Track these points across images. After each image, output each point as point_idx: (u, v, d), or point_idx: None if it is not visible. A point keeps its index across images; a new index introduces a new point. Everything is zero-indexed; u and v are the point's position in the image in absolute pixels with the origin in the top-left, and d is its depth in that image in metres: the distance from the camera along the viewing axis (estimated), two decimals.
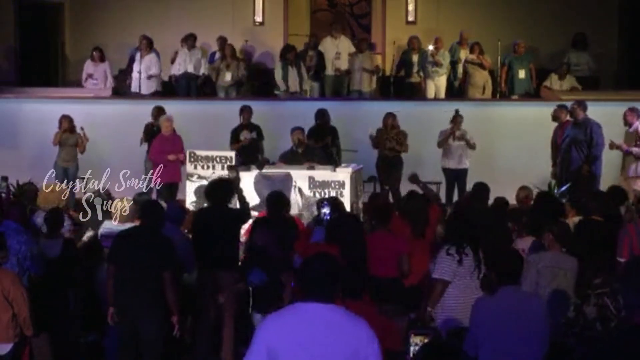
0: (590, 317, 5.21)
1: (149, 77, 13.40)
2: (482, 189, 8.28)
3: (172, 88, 14.14)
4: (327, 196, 9.44)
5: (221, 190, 7.12)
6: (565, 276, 5.93)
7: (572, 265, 6.03)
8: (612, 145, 10.71)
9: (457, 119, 11.57)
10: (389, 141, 11.48)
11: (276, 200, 7.55)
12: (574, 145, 10.63)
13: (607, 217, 7.11)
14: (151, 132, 11.56)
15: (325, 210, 6.96)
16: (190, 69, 13.96)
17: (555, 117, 11.30)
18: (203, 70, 14.07)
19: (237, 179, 7.73)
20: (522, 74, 13.81)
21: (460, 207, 7.87)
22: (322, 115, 11.78)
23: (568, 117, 11.07)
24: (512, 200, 9.15)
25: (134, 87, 13.58)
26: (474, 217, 6.46)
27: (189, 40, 13.92)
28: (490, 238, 6.53)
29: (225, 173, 9.69)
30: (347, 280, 5.03)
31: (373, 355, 3.56)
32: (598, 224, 7.09)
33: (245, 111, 11.73)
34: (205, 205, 7.40)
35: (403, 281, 6.62)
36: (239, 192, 7.43)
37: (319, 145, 11.28)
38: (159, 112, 11.71)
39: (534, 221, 7.06)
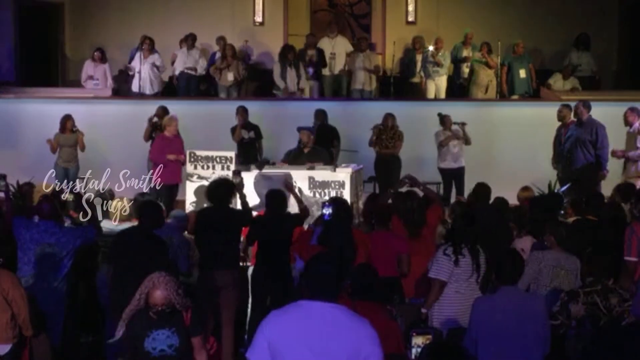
0: (579, 316, 5.20)
1: (155, 76, 13.46)
2: (484, 189, 8.28)
3: (172, 88, 14.15)
4: (327, 196, 9.46)
5: (222, 190, 7.11)
6: (566, 276, 5.94)
7: (573, 265, 6.04)
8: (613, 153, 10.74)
9: (445, 119, 11.56)
10: (388, 141, 11.47)
11: (276, 197, 7.53)
12: (579, 145, 10.60)
13: (612, 217, 7.09)
14: (155, 131, 11.59)
15: (326, 210, 6.91)
16: (190, 69, 13.96)
17: (561, 117, 11.23)
18: (202, 70, 14.08)
19: (241, 184, 7.71)
20: (522, 74, 13.82)
21: (468, 208, 7.83)
22: (318, 115, 11.82)
23: (572, 117, 10.99)
24: (512, 200, 9.16)
25: (135, 87, 13.59)
26: (476, 217, 6.45)
27: (188, 40, 13.94)
28: (491, 238, 6.53)
29: (224, 173, 9.70)
30: (357, 280, 5.03)
31: (374, 355, 3.58)
32: (592, 223, 7.09)
33: (240, 112, 11.73)
34: (207, 205, 7.39)
35: (402, 281, 6.61)
36: (242, 196, 7.42)
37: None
38: (164, 111, 11.74)
39: (534, 221, 7.06)
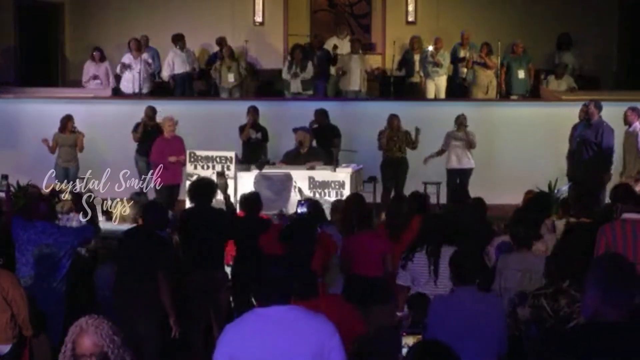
0: (524, 319, 5.10)
1: (145, 75, 13.48)
2: (461, 191, 8.29)
3: (167, 89, 14.13)
4: (327, 196, 9.48)
5: (202, 190, 7.14)
6: (530, 278, 5.81)
7: (539, 267, 5.80)
8: None
9: (460, 119, 11.57)
10: (399, 142, 11.45)
11: (251, 200, 7.56)
12: (584, 146, 10.61)
13: (605, 218, 7.06)
14: (146, 131, 11.60)
15: (300, 210, 6.96)
16: (183, 69, 13.94)
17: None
18: (190, 69, 14.05)
19: (225, 185, 7.77)
20: (521, 74, 13.82)
21: (431, 212, 7.81)
22: (317, 115, 11.80)
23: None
24: (513, 201, 9.17)
25: (130, 89, 13.57)
26: (451, 219, 6.46)
27: (179, 42, 13.92)
28: (469, 238, 6.51)
29: (225, 173, 9.71)
30: (301, 279, 5.04)
31: (336, 348, 3.62)
32: (584, 226, 7.05)
33: (251, 111, 11.76)
34: (190, 205, 7.41)
35: (388, 281, 6.63)
36: (226, 197, 7.46)
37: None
38: (152, 111, 11.76)
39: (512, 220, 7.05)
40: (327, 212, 7.87)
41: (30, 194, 9.07)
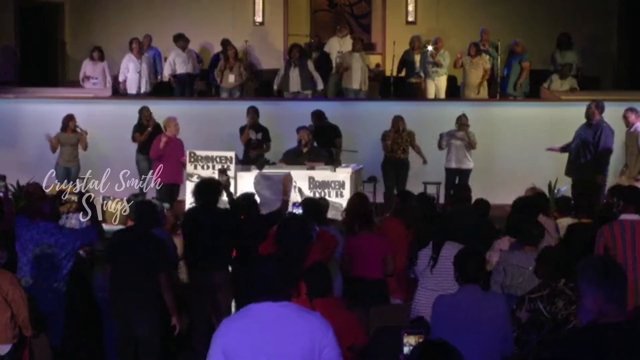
0: (523, 322, 5.11)
1: (151, 76, 13.48)
2: (463, 191, 8.29)
3: (165, 88, 14.13)
4: (327, 196, 9.48)
5: (208, 190, 7.10)
6: (528, 275, 5.84)
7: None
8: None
9: (462, 120, 11.55)
10: (402, 144, 11.43)
11: (248, 202, 7.54)
12: (582, 146, 10.61)
13: (604, 218, 7.06)
14: (141, 131, 11.61)
15: (296, 211, 6.94)
16: (183, 69, 13.93)
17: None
18: (191, 69, 14.04)
19: (228, 183, 7.73)
20: (520, 73, 13.81)
21: (432, 210, 7.82)
22: (313, 116, 11.78)
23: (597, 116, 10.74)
24: (511, 201, 9.15)
25: (130, 89, 13.58)
26: (455, 219, 6.47)
27: (180, 41, 13.90)
28: (471, 239, 6.52)
29: (227, 170, 9.71)
30: (310, 279, 5.04)
31: (329, 345, 3.61)
32: (585, 226, 7.05)
33: (251, 112, 11.74)
34: (194, 205, 7.39)
35: (387, 282, 6.64)
36: (230, 195, 7.42)
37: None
38: (148, 111, 11.76)
39: (509, 221, 7.07)
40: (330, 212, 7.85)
41: (32, 193, 9.07)
